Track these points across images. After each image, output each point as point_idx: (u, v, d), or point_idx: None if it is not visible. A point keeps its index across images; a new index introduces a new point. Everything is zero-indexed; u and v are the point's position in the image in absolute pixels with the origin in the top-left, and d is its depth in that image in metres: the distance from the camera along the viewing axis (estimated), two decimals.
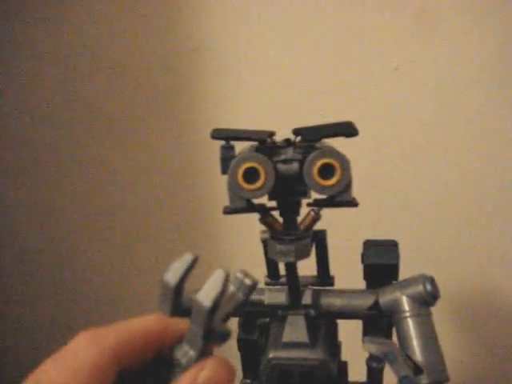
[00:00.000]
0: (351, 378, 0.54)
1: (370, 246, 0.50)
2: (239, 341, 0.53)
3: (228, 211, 0.43)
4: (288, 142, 0.44)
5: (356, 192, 0.42)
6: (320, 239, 0.49)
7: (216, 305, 0.27)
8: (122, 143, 0.91)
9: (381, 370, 0.54)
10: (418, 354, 0.45)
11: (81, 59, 0.88)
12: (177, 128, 0.88)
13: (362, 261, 0.50)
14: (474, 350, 0.89)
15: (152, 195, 0.92)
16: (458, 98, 0.79)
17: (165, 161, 0.89)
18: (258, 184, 0.42)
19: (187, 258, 0.30)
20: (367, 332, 0.51)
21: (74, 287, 0.99)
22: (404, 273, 0.50)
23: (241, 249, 0.89)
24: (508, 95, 0.78)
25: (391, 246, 0.50)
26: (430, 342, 0.46)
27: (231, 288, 0.29)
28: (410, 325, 0.46)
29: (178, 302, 0.30)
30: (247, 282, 0.28)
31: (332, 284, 0.52)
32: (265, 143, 0.43)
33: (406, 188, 0.83)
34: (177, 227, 0.92)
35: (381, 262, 0.49)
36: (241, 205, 0.42)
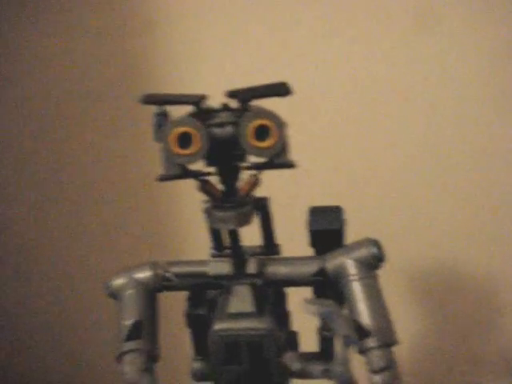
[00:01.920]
0: (303, 348, 0.53)
1: (314, 212, 0.50)
2: (187, 316, 0.52)
3: (162, 178, 0.41)
4: (225, 106, 0.42)
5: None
6: (263, 207, 0.48)
7: None
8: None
9: (331, 339, 0.54)
10: (365, 316, 0.44)
11: None
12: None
13: (308, 227, 0.49)
14: (437, 324, 0.89)
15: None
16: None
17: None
18: (192, 149, 0.40)
19: None
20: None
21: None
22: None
23: None
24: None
25: (336, 212, 0.49)
26: (378, 305, 0.45)
27: None
28: (357, 288, 0.45)
29: None
30: None
31: (278, 253, 0.51)
32: (200, 108, 0.42)
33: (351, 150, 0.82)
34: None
35: (326, 228, 0.48)
36: (175, 171, 0.41)
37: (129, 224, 0.92)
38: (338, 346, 0.35)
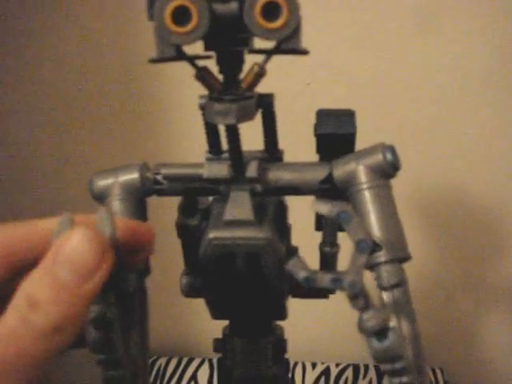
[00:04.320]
0: None
1: (323, 115, 0.44)
2: (178, 226, 0.47)
3: (154, 60, 0.36)
4: None
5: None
6: (267, 104, 0.43)
7: None
8: None
9: (334, 255, 0.50)
10: (375, 228, 0.40)
11: None
12: None
13: (315, 131, 0.44)
14: (439, 250, 0.87)
15: None
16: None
17: None
18: (190, 26, 0.34)
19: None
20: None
21: None
22: None
23: None
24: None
25: (347, 116, 0.44)
26: (390, 216, 0.41)
27: None
28: (367, 197, 0.40)
29: None
30: None
31: (281, 159, 0.46)
32: None
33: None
34: None
35: (335, 132, 0.43)
36: (169, 53, 0.36)
37: None
38: (351, 253, 0.30)
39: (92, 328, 0.28)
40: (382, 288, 0.39)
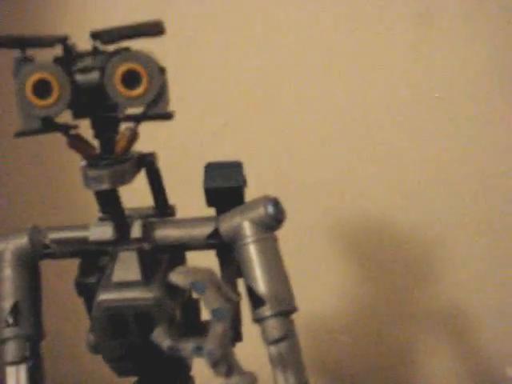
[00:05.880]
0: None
1: (211, 169, 0.45)
2: (77, 285, 0.47)
3: (19, 134, 0.36)
4: (94, 50, 0.37)
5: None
6: (149, 163, 0.43)
7: None
8: None
9: (237, 305, 0.50)
10: (260, 283, 0.40)
11: None
12: None
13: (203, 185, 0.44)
14: (370, 280, 0.87)
15: None
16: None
17: None
18: (51, 99, 0.35)
19: None
20: (221, 266, 0.46)
21: None
22: None
23: None
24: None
25: (235, 167, 0.45)
26: (275, 270, 0.41)
27: None
28: (252, 251, 0.41)
29: None
30: None
31: (172, 214, 0.46)
32: (67, 52, 0.36)
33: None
34: None
35: (223, 186, 0.44)
36: (35, 125, 0.36)
37: None
38: (210, 321, 0.31)
39: None
40: (268, 342, 0.39)
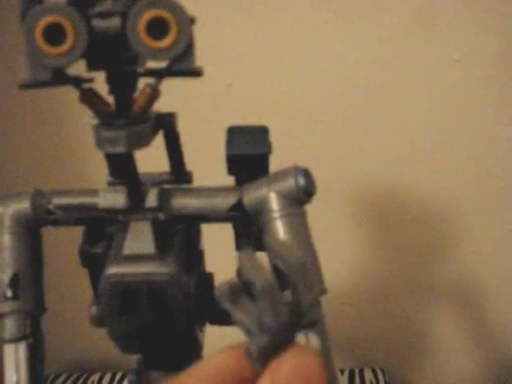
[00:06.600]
0: None
1: (234, 133, 0.41)
2: (81, 254, 0.43)
3: (26, 85, 0.31)
4: None
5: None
6: (168, 125, 0.38)
7: None
8: None
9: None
10: None
11: None
12: None
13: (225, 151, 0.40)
14: (382, 251, 0.84)
15: None
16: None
17: None
18: (65, 47, 0.30)
19: None
20: (238, 239, 0.42)
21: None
22: None
23: None
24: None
25: (260, 133, 0.41)
26: (303, 248, 0.37)
27: None
28: (280, 227, 0.37)
29: None
30: None
31: (189, 181, 0.42)
32: None
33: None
34: None
35: (247, 153, 0.40)
36: (45, 76, 0.31)
37: None
38: None
39: None
40: None
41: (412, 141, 0.78)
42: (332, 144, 0.78)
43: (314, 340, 0.36)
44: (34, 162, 0.81)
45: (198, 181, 0.43)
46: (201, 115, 0.70)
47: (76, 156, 0.79)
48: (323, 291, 0.37)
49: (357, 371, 0.87)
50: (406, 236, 0.83)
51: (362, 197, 0.81)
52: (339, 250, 0.83)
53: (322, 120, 0.77)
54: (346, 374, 0.87)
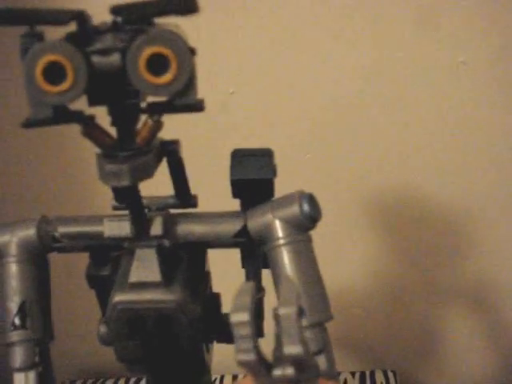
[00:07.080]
0: (228, 309, 0.46)
1: (238, 157, 0.40)
2: (88, 277, 0.43)
3: (28, 124, 0.31)
4: (114, 26, 0.32)
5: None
6: (172, 153, 0.38)
7: None
8: None
9: (260, 300, 0.46)
10: None
11: None
12: None
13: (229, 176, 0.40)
14: (398, 255, 0.84)
15: None
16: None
17: None
18: (65, 85, 0.30)
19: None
20: (245, 260, 0.42)
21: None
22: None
23: None
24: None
25: (265, 156, 0.41)
26: (310, 277, 0.37)
27: None
28: (284, 255, 0.37)
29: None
30: None
31: (195, 205, 0.42)
32: (82, 29, 0.31)
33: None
34: None
35: (251, 177, 0.40)
36: (46, 114, 0.31)
37: None
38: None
39: None
40: None
41: (422, 142, 0.78)
42: (340, 149, 0.78)
43: (323, 366, 0.36)
44: (40, 185, 0.82)
45: (204, 201, 0.43)
46: (203, 126, 0.71)
47: (81, 179, 0.79)
48: (329, 317, 0.37)
49: (368, 373, 0.87)
50: (418, 238, 0.83)
51: (373, 199, 0.80)
52: (350, 253, 0.83)
53: (328, 124, 0.76)
54: (357, 376, 0.87)
